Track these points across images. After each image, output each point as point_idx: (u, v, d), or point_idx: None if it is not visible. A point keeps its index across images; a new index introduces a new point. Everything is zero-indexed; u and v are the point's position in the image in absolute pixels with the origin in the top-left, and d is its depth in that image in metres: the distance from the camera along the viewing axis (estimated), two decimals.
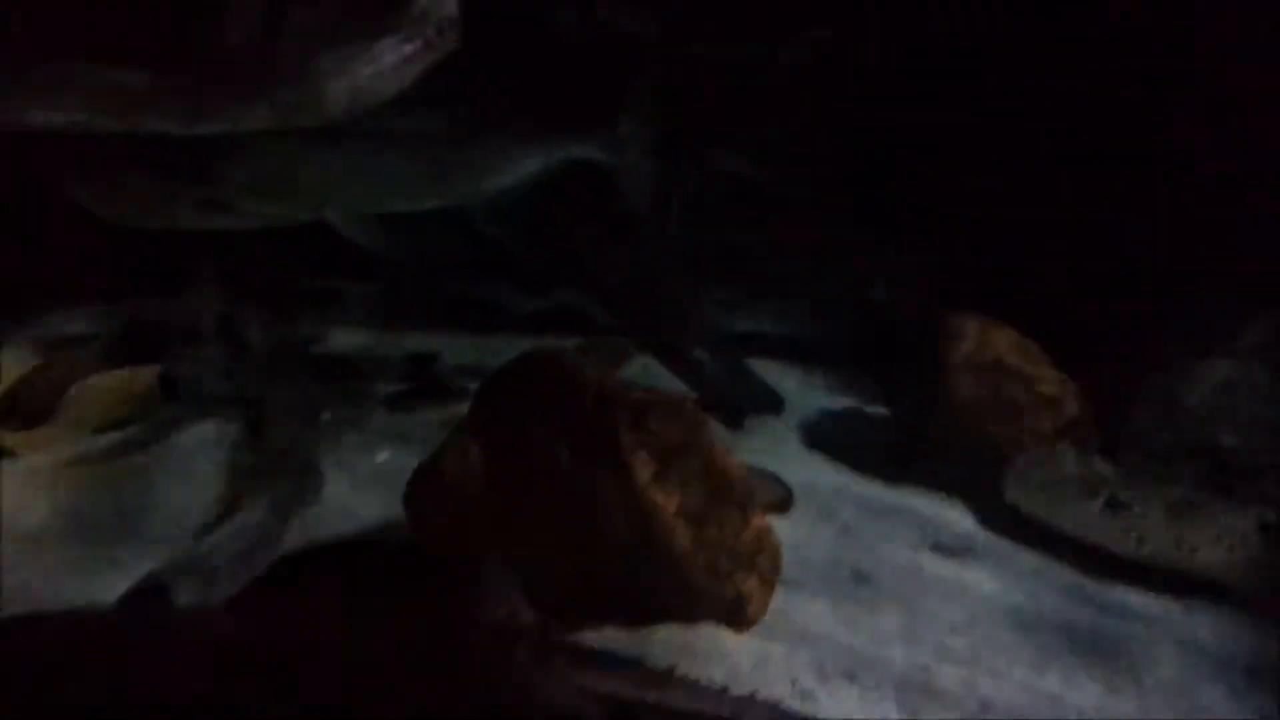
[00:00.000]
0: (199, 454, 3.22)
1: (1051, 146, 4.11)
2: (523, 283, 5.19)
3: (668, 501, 2.44)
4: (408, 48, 1.96)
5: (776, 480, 3.30)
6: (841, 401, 4.29)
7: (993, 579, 2.92)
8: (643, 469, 2.45)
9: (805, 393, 4.33)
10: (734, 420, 3.89)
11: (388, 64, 1.95)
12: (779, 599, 2.57)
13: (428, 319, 4.96)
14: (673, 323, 4.10)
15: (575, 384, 2.54)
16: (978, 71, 4.22)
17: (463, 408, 2.62)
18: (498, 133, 3.04)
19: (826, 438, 3.87)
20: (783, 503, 3.21)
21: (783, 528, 2.74)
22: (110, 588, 2.35)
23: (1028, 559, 3.06)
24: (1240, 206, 3.72)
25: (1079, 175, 4.08)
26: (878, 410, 4.09)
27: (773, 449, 3.73)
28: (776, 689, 2.29)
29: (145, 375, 3.46)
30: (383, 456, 3.35)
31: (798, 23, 4.52)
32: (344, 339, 4.64)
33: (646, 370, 4.21)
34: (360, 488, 3.13)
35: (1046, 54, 4.08)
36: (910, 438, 3.70)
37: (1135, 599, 2.90)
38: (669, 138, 3.61)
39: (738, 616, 2.51)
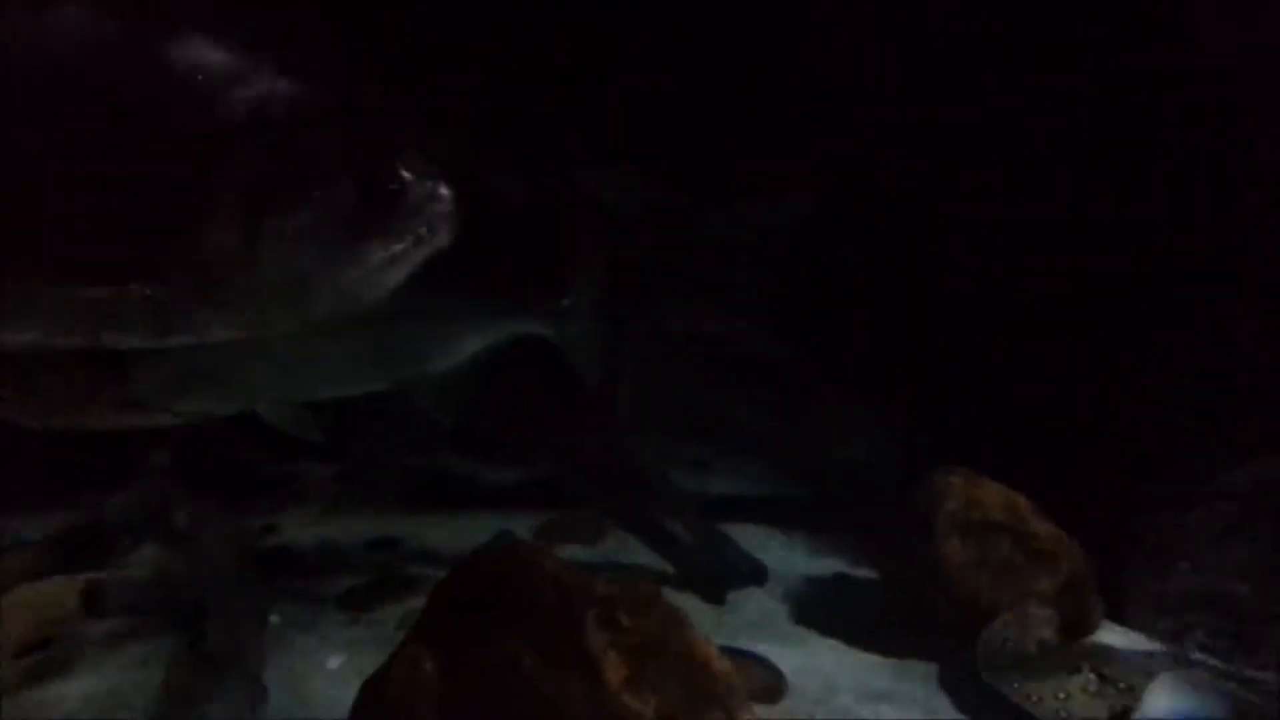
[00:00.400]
0: (128, 674, 2.93)
1: (1029, 295, 4.07)
2: (490, 456, 5.06)
3: (644, 707, 2.20)
4: (397, 246, 1.81)
5: (764, 664, 3.06)
6: (827, 566, 4.07)
7: None
8: (614, 671, 2.22)
9: (788, 559, 4.12)
10: (715, 594, 3.67)
11: (375, 265, 1.81)
12: None
13: (393, 498, 4.77)
14: (643, 492, 3.93)
15: (535, 578, 2.34)
16: (945, 228, 4.23)
17: (423, 601, 2.40)
18: (437, 312, 2.91)
19: (814, 609, 3.64)
20: (773, 690, 2.96)
21: None
22: None
23: None
24: (1230, 349, 3.66)
25: (1059, 321, 4.03)
26: (865, 574, 3.88)
27: (759, 625, 3.50)
28: None
29: (73, 587, 3.20)
30: (335, 663, 3.09)
31: (772, 187, 4.59)
32: (302, 527, 4.42)
33: (623, 544, 4.04)
34: (309, 701, 2.86)
35: (1002, 214, 4.10)
36: (902, 605, 3.48)
37: None
38: (619, 308, 3.51)
39: None
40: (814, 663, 3.21)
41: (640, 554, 3.90)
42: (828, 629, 3.46)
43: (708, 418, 4.75)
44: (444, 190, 1.82)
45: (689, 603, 3.55)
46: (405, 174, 1.78)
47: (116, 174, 1.60)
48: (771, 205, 4.64)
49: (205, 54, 1.65)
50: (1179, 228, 3.75)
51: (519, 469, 4.86)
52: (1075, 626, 3.23)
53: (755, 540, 4.16)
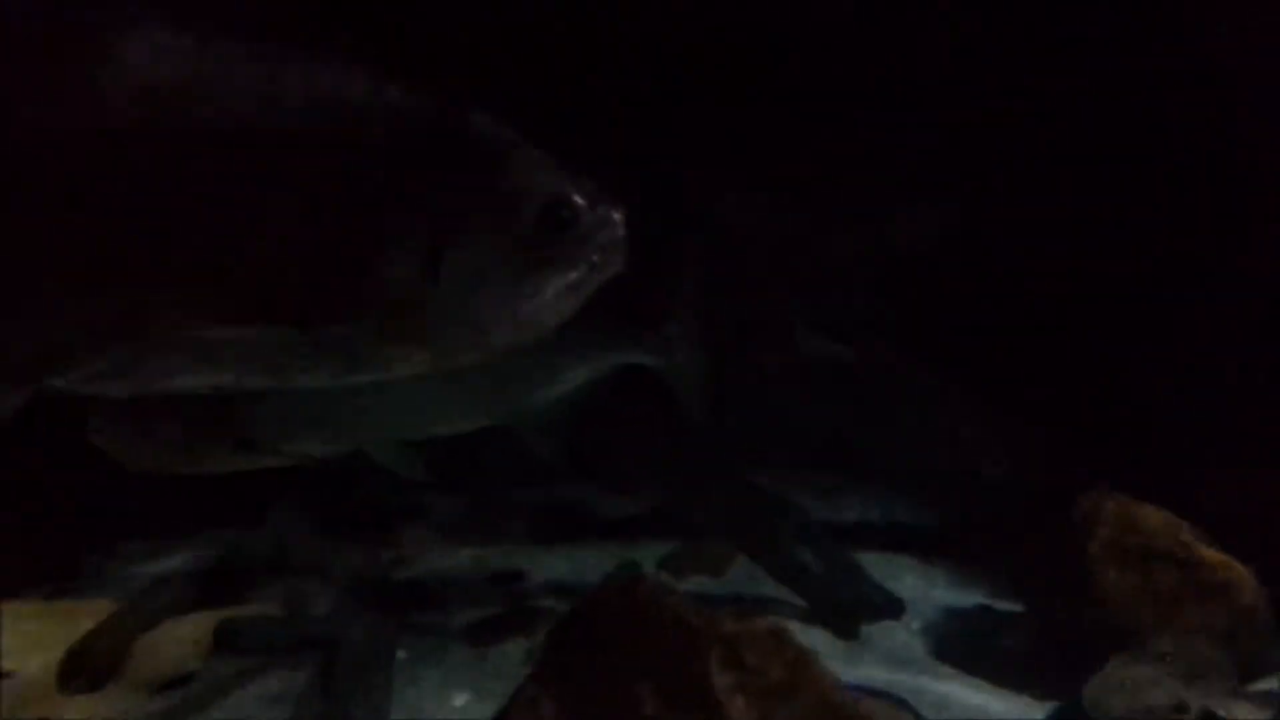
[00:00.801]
0: (262, 710, 2.98)
1: (1185, 302, 3.81)
2: (615, 486, 5.02)
3: None
4: (571, 275, 1.80)
5: (904, 706, 2.88)
6: (968, 597, 3.84)
7: None
8: (741, 715, 2.11)
9: (926, 590, 3.90)
10: (848, 630, 3.50)
11: (550, 295, 1.80)
12: None
13: (519, 529, 4.78)
14: (769, 521, 3.80)
15: (658, 616, 2.24)
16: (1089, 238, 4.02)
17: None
18: (539, 344, 2.89)
19: (956, 645, 3.43)
20: None
21: None
22: None
23: None
24: None
25: (1220, 326, 3.75)
26: (1011, 605, 3.64)
27: (896, 663, 3.31)
28: None
29: (210, 624, 3.28)
30: (460, 700, 3.07)
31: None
32: (429, 559, 4.46)
33: (751, 575, 3.92)
34: None
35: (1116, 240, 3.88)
36: (1053, 639, 3.24)
37: None
38: (725, 334, 3.39)
39: None
40: (956, 703, 3.02)
41: (769, 586, 3.76)
42: (971, 666, 3.26)
43: (839, 442, 4.59)
44: (616, 216, 1.82)
45: (820, 638, 3.41)
46: (579, 201, 1.78)
47: (301, 214, 1.65)
48: (912, 219, 4.48)
49: (383, 93, 1.70)
50: None
51: (643, 499, 4.79)
52: (1248, 666, 2.94)
53: (890, 570, 3.96)
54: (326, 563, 4.07)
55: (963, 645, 3.42)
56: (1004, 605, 3.69)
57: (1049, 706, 3.00)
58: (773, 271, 4.52)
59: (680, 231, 3.65)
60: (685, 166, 4.37)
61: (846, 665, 3.20)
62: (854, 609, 3.58)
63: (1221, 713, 2.63)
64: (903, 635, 3.53)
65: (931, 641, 3.48)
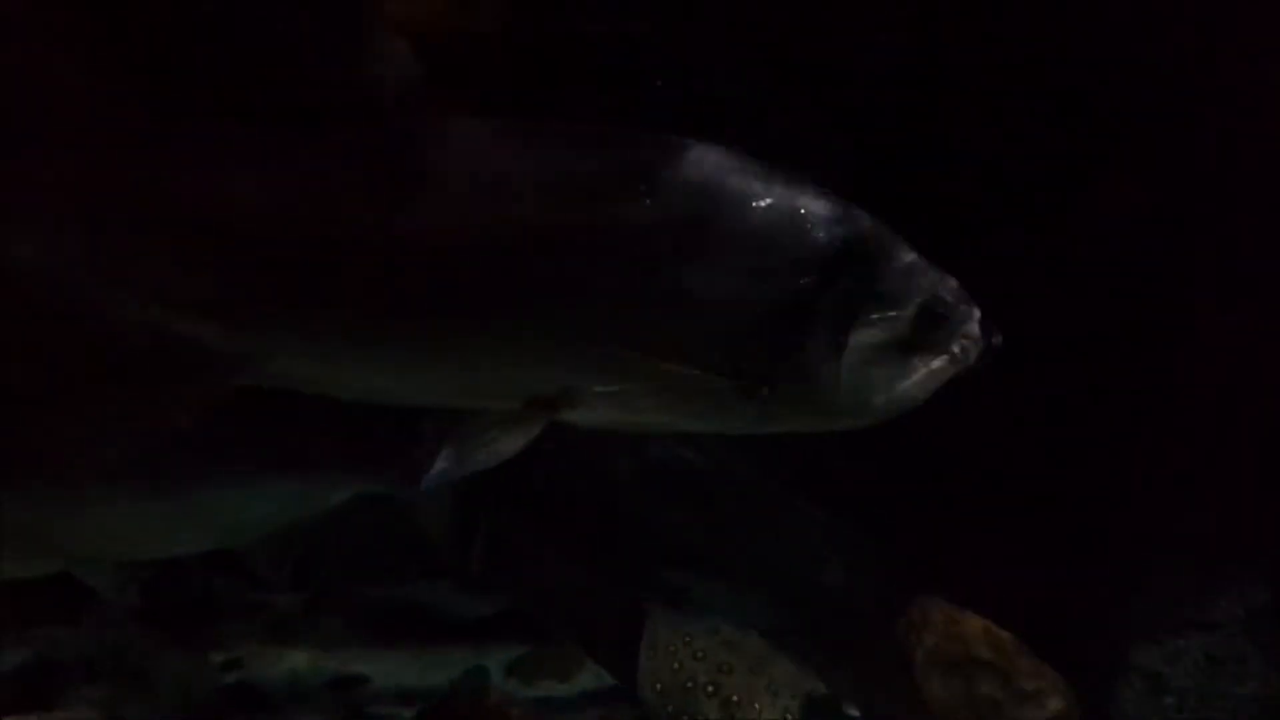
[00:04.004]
0: None
1: (1015, 420, 4.06)
2: (464, 586, 4.95)
3: None
4: (937, 363, 2.11)
5: None
6: None
7: None
8: None
9: None
10: None
11: (920, 378, 2.11)
12: None
13: (362, 631, 4.65)
14: (615, 624, 3.84)
15: None
16: None
17: None
18: (266, 472, 2.98)
19: None
20: None
21: None
22: None
23: None
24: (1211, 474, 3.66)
25: (1043, 445, 4.02)
26: (851, 711, 3.76)
27: None
28: None
29: None
30: None
31: None
32: (266, 662, 4.28)
33: (600, 679, 3.92)
34: None
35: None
36: None
37: None
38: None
39: None
40: None
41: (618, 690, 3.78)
42: None
43: (686, 545, 4.68)
44: (978, 315, 2.14)
45: None
46: (949, 300, 2.11)
47: (743, 294, 2.04)
48: None
49: (806, 198, 2.08)
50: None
51: (493, 600, 4.75)
52: None
53: None
54: (150, 665, 3.86)
55: None
56: (847, 709, 3.81)
57: None
58: None
59: None
60: None
61: None
62: None
63: None
64: None
65: None
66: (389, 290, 2.00)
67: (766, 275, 2.03)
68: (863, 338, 2.06)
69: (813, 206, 2.07)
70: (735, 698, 3.34)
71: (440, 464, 2.07)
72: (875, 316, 2.06)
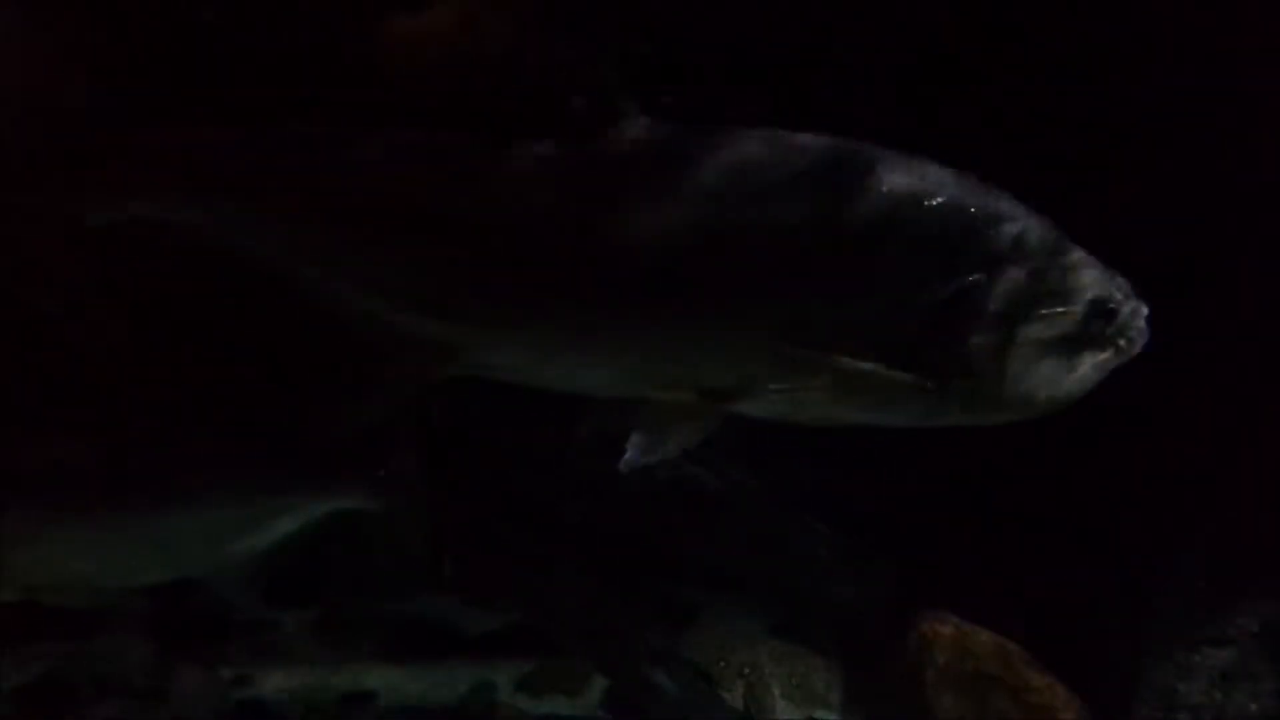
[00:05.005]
0: None
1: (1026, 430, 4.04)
2: (473, 601, 4.95)
3: None
4: (1102, 356, 2.17)
5: None
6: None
7: None
8: None
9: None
10: None
11: (1083, 371, 2.17)
12: None
13: (372, 647, 4.65)
14: (623, 641, 3.84)
15: None
16: None
17: None
18: (236, 490, 3.02)
19: None
20: None
21: None
22: None
23: None
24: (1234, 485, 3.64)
25: (1059, 457, 4.00)
26: None
27: None
28: None
29: None
30: None
31: None
32: (277, 679, 4.28)
33: (609, 696, 3.91)
34: None
35: None
36: None
37: None
38: (448, 476, 3.45)
39: None
40: None
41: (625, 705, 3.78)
42: None
43: (695, 561, 4.67)
44: (1143, 310, 2.19)
45: None
46: (1118, 296, 2.16)
47: (915, 291, 2.11)
48: None
49: (977, 196, 2.16)
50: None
51: (502, 615, 4.74)
52: None
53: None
54: (160, 681, 3.87)
55: None
56: None
57: None
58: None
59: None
60: None
61: None
62: None
63: None
64: None
65: None
66: (590, 288, 2.18)
67: (938, 272, 2.10)
68: (1031, 332, 2.11)
69: (983, 204, 2.14)
70: None
71: (631, 450, 2.19)
72: (1044, 312, 2.11)
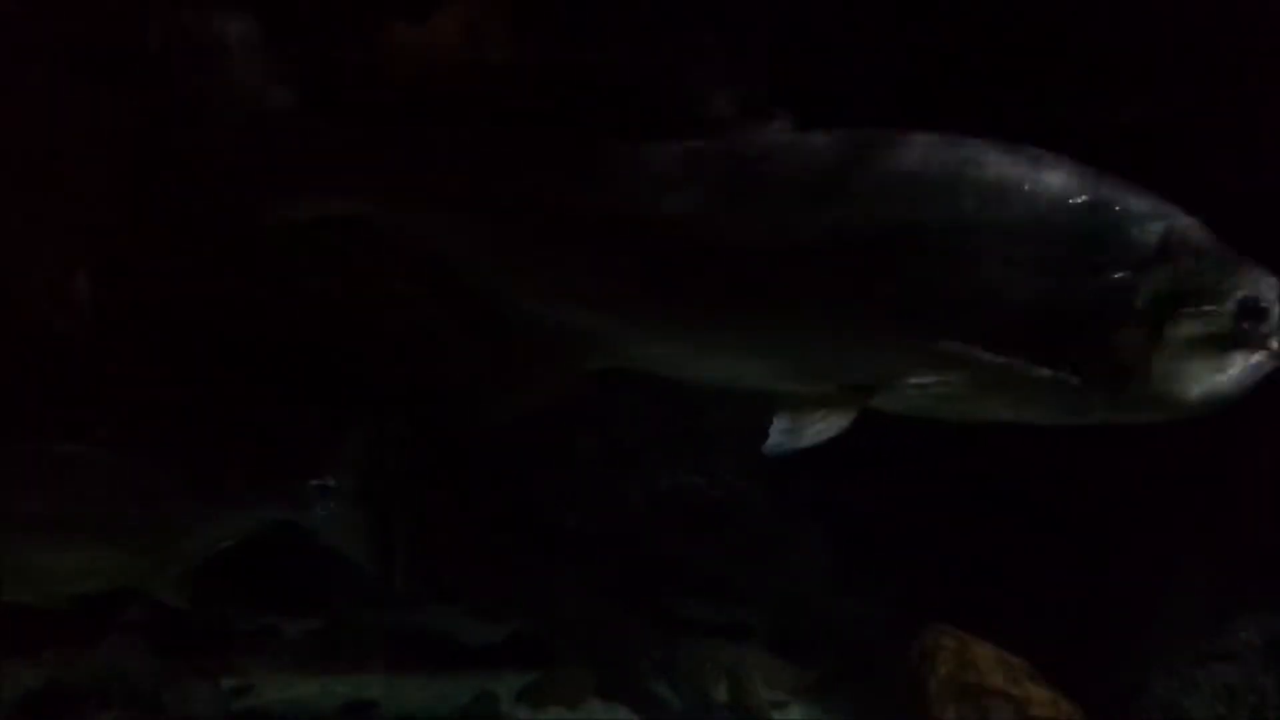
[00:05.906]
0: None
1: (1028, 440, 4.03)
2: (475, 612, 4.94)
3: None
4: (1257, 358, 2.13)
5: None
6: None
7: None
8: None
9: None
10: None
11: (1238, 372, 2.13)
12: None
13: (373, 656, 4.64)
14: (625, 651, 3.83)
15: None
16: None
17: None
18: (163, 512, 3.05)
19: None
20: None
21: None
22: None
23: None
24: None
25: (1060, 473, 3.99)
26: None
27: None
28: None
29: None
30: None
31: None
32: (277, 688, 4.28)
33: (609, 706, 3.90)
34: None
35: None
36: None
37: None
38: (385, 485, 3.44)
39: None
40: None
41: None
42: None
43: (696, 572, 4.66)
44: None
45: None
46: (1271, 294, 2.11)
47: (1061, 288, 2.10)
48: None
49: (1124, 195, 2.14)
50: None
51: (504, 626, 4.73)
52: None
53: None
54: (162, 691, 3.87)
55: None
56: None
57: None
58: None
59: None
60: None
61: None
62: None
63: None
64: None
65: None
66: (735, 284, 2.23)
67: (1085, 270, 2.09)
68: (1180, 331, 2.09)
69: (1130, 203, 2.13)
70: None
71: (775, 439, 2.18)
72: (1192, 310, 2.09)
